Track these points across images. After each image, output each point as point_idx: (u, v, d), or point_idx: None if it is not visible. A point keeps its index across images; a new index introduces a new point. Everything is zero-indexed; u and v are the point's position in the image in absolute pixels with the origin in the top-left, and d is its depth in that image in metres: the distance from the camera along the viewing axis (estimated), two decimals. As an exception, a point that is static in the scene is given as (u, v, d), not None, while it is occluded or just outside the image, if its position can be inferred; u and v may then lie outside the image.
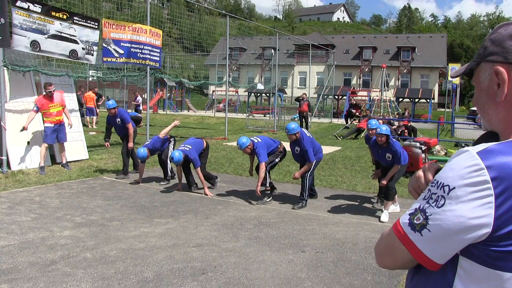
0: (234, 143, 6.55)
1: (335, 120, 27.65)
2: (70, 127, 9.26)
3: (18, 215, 5.84)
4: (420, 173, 1.14)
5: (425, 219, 0.95)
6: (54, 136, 8.87)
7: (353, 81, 46.21)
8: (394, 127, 16.61)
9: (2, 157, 8.36)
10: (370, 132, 6.93)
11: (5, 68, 8.44)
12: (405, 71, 44.49)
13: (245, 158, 6.96)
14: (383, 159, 6.61)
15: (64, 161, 9.13)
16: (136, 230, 5.38)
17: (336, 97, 32.81)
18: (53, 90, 8.77)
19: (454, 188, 0.92)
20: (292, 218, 6.11)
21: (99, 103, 20.76)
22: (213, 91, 36.43)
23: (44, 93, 8.88)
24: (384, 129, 6.33)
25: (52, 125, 8.79)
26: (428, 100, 30.81)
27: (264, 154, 7.03)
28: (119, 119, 8.63)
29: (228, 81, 17.58)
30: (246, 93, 36.36)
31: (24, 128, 8.43)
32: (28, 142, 9.02)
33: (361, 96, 31.67)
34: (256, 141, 7.14)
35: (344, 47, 48.17)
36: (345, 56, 47.07)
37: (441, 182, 0.95)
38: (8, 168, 8.42)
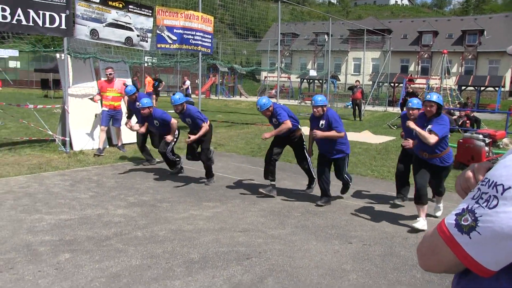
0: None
1: (390, 109, 26.79)
2: (127, 116, 9.65)
3: (78, 192, 6.22)
4: (469, 173, 1.05)
5: (474, 220, 0.87)
6: (109, 120, 9.25)
7: (411, 68, 44.42)
8: (454, 117, 15.87)
9: (66, 138, 8.91)
10: (411, 112, 5.63)
11: (68, 55, 8.95)
12: (470, 56, 41.52)
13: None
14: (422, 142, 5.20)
15: (120, 144, 9.52)
16: (185, 212, 5.54)
17: (392, 84, 31.75)
18: (110, 74, 9.12)
19: (509, 187, 0.84)
20: (340, 208, 6.03)
21: (159, 89, 21.45)
22: (265, 77, 36.45)
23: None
24: (436, 97, 5.09)
25: (107, 109, 9.16)
26: (497, 88, 28.64)
27: (285, 114, 6.31)
28: (138, 104, 8.44)
29: (280, 67, 17.51)
30: (299, 80, 36.09)
31: (93, 99, 9.09)
32: (96, 115, 9.62)
33: (418, 83, 30.33)
34: (278, 104, 6.61)
35: (401, 32, 46.24)
36: (403, 41, 45.24)
37: (493, 181, 0.87)
38: (70, 149, 8.96)
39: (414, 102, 5.65)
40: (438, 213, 5.75)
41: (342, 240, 4.76)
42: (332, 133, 5.94)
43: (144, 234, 4.68)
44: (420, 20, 50.61)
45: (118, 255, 4.08)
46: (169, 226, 4.97)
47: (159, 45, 11.00)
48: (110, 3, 9.35)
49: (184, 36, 11.24)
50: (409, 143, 5.39)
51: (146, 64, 23.73)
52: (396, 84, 32.03)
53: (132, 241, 4.45)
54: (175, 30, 11.04)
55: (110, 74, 9.13)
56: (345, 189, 6.45)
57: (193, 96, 24.64)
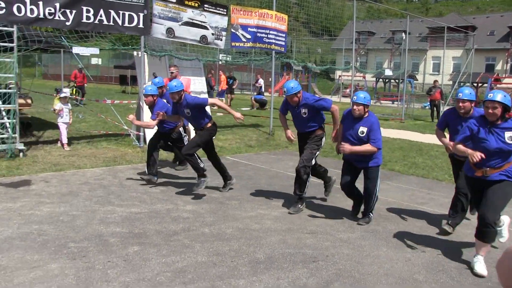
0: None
1: (472, 110, 25.04)
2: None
3: (149, 187, 6.42)
4: None
5: None
6: None
7: (498, 67, 41.24)
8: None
9: (140, 133, 9.29)
10: (461, 105, 4.67)
11: (145, 53, 9.33)
12: None
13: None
14: (489, 149, 3.82)
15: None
16: (253, 211, 5.50)
17: (475, 84, 29.70)
18: (172, 73, 9.24)
19: None
20: (415, 214, 5.68)
21: (234, 87, 21.95)
22: (340, 76, 35.74)
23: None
24: (500, 96, 3.74)
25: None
26: None
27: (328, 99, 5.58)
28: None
29: (355, 66, 17.04)
30: (374, 79, 34.95)
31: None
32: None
33: (506, 83, 28.10)
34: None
35: (488, 28, 43.08)
36: (489, 38, 42.12)
37: None
38: (144, 143, 9.32)
39: (466, 92, 4.63)
40: (502, 239, 4.41)
41: (415, 248, 4.45)
42: (366, 147, 4.87)
43: (211, 231, 4.70)
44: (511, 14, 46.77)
45: (185, 250, 4.12)
46: (236, 224, 4.95)
47: (233, 44, 11.14)
48: (186, 2, 9.62)
49: (258, 34, 11.30)
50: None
51: (220, 62, 24.29)
52: (480, 84, 29.90)
53: (199, 238, 4.48)
54: (249, 29, 11.13)
55: (172, 72, 9.24)
56: (361, 206, 5.25)
57: (266, 94, 24.74)
